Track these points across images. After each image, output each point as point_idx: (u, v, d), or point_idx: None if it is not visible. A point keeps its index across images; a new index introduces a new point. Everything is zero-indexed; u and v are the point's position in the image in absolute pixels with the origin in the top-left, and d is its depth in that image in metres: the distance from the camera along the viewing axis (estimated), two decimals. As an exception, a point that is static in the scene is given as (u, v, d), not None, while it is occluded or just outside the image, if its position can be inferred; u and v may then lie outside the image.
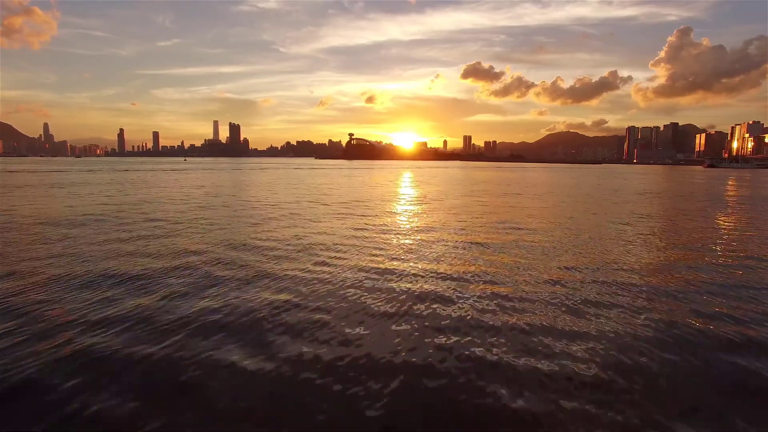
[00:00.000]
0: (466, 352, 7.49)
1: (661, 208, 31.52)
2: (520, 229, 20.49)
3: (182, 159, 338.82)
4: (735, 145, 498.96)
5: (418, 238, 18.27)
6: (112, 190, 41.81)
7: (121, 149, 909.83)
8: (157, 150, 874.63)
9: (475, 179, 75.60)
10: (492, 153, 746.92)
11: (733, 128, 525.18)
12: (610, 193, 45.34)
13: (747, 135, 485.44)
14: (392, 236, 18.51)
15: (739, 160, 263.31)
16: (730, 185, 68.06)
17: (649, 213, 28.19)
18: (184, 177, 70.33)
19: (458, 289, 11.13)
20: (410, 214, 26.06)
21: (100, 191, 40.07)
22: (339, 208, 28.60)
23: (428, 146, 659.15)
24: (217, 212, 25.96)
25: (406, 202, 32.86)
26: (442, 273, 12.67)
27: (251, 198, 35.53)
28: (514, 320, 9.00)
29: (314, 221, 22.53)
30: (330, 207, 29.04)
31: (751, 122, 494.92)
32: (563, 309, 9.68)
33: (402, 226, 21.31)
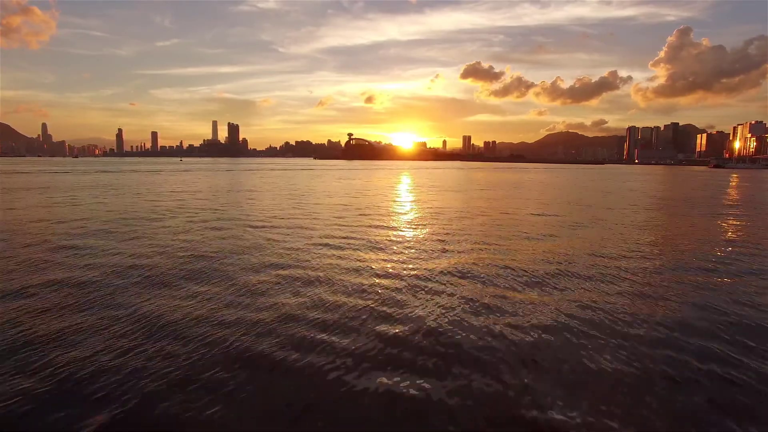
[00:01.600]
0: None
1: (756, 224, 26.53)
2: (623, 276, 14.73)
3: (178, 159, 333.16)
4: (737, 145, 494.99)
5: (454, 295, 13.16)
6: (68, 197, 36.83)
7: (119, 149, 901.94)
8: (156, 150, 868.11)
9: (482, 182, 70.66)
10: (492, 153, 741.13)
11: (735, 128, 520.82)
12: (659, 202, 40.40)
13: (749, 135, 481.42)
14: (412, 291, 13.25)
15: (746, 161, 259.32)
16: (760, 186, 63.63)
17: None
18: (169, 180, 65.34)
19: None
20: (431, 243, 18.13)
21: (50, 199, 35.20)
22: (333, 229, 23.49)
23: (427, 146, 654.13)
24: (163, 235, 20.95)
25: (418, 221, 24.83)
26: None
27: (225, 209, 30.57)
28: None
29: (297, 249, 17.55)
30: (324, 222, 24.04)
31: (753, 122, 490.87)
32: None
33: (424, 267, 14.60)
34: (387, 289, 11.58)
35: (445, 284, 12.06)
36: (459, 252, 16.24)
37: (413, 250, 16.41)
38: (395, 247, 16.94)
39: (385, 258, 15.14)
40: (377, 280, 12.34)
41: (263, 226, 21.62)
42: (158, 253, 15.39)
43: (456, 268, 13.80)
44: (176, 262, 14.22)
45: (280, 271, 13.16)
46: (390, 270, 13.52)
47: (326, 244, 17.24)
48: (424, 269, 13.60)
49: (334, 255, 15.42)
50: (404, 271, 13.36)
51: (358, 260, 14.73)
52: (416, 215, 27.04)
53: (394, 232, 20.39)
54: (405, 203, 34.92)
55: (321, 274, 12.88)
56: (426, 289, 11.56)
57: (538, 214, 27.69)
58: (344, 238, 18.68)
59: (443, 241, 18.36)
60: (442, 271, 13.36)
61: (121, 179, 65.29)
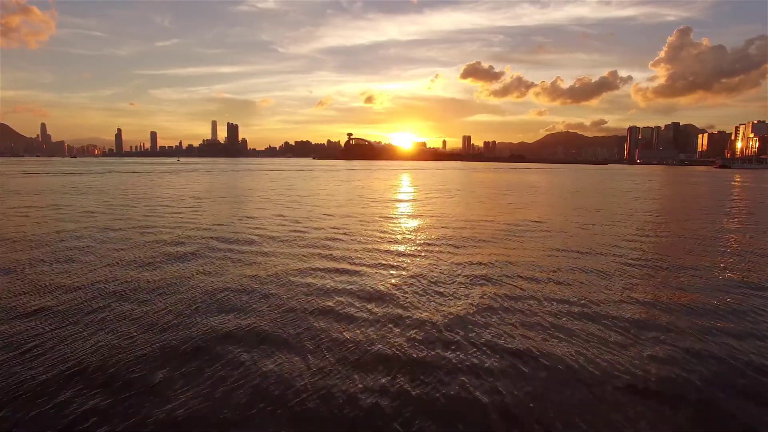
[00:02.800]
0: None
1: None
2: None
3: (175, 159, 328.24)
4: (739, 145, 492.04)
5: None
6: (26, 204, 32.41)
7: (119, 149, 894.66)
8: (155, 150, 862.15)
9: (492, 184, 66.02)
10: (492, 153, 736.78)
11: (737, 128, 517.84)
12: (711, 208, 35.83)
13: (752, 135, 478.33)
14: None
15: (753, 161, 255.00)
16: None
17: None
18: (155, 182, 60.71)
19: None
20: (471, 289, 11.95)
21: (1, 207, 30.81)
22: (327, 257, 18.76)
23: (427, 146, 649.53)
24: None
25: (443, 244, 18.06)
26: None
27: (197, 222, 26.03)
28: None
29: (270, 293, 13.00)
30: (315, 241, 19.47)
31: (755, 122, 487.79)
32: None
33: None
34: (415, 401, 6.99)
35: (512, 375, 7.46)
36: (525, 301, 11.62)
37: (443, 297, 11.81)
38: (416, 292, 12.31)
39: (409, 315, 10.54)
40: (394, 376, 7.75)
41: (235, 250, 16.97)
42: (66, 300, 10.77)
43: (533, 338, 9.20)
44: (81, 320, 9.60)
45: (237, 340, 8.56)
46: (416, 342, 8.93)
47: (314, 288, 12.63)
48: (465, 344, 9.01)
49: (323, 308, 10.81)
50: (432, 345, 8.77)
51: (362, 321, 10.13)
52: (436, 232, 21.97)
53: (411, 261, 15.73)
54: (416, 214, 29.77)
55: (308, 345, 8.30)
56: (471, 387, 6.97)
57: (592, 226, 23.01)
58: (342, 274, 14.01)
59: (491, 296, 13.69)
60: (493, 347, 8.75)
61: (104, 181, 60.68)
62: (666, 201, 40.39)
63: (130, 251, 16.00)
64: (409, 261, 15.02)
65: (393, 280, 12.51)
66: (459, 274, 13.26)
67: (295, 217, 25.74)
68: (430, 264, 14.58)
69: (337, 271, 13.52)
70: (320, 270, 13.58)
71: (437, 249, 16.95)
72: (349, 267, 14.00)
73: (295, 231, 20.73)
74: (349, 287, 11.82)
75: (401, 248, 17.16)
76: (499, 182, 70.79)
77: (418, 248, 17.14)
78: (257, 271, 13.39)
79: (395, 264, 14.55)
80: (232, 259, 14.89)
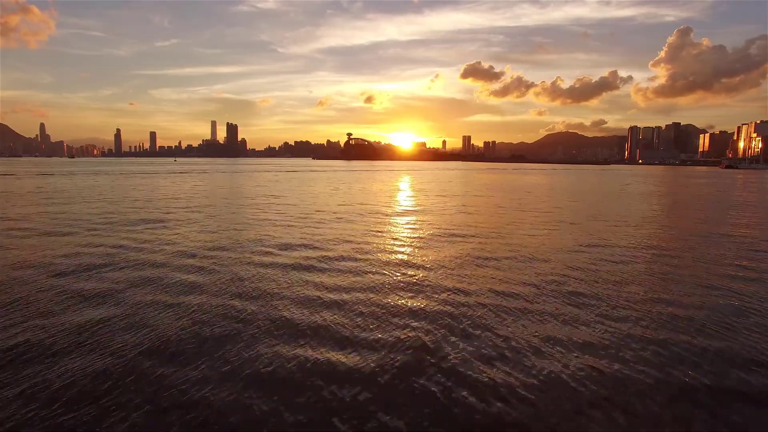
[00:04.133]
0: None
1: None
2: None
3: (172, 160, 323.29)
4: (741, 145, 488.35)
5: None
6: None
7: (118, 150, 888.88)
8: (154, 150, 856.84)
9: (504, 186, 61.15)
10: (492, 153, 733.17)
11: (739, 128, 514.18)
12: None
13: (755, 135, 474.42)
14: None
15: (760, 161, 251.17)
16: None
17: None
18: (134, 186, 55.85)
19: None
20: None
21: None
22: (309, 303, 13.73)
23: (427, 146, 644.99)
24: None
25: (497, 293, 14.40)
26: None
27: (150, 245, 21.15)
28: None
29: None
30: (298, 270, 14.62)
31: (758, 122, 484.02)
32: None
33: None
34: None
35: None
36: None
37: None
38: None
39: None
40: None
41: (169, 303, 12.11)
42: None
43: None
44: None
45: None
46: None
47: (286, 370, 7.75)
48: None
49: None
50: None
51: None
52: (481, 271, 15.39)
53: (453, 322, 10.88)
54: (443, 232, 22.10)
55: None
56: None
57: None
58: (343, 375, 9.15)
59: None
60: None
61: (81, 184, 55.77)
62: (720, 208, 35.58)
63: (42, 294, 11.14)
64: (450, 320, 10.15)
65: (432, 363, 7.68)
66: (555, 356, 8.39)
67: (278, 240, 20.89)
68: (497, 335, 9.72)
69: (334, 356, 8.66)
70: (306, 344, 8.72)
71: (499, 303, 11.89)
72: (350, 355, 9.14)
73: (273, 265, 15.86)
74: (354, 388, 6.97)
75: (436, 303, 12.27)
76: (511, 185, 65.93)
77: (465, 300, 12.18)
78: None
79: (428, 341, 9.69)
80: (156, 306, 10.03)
